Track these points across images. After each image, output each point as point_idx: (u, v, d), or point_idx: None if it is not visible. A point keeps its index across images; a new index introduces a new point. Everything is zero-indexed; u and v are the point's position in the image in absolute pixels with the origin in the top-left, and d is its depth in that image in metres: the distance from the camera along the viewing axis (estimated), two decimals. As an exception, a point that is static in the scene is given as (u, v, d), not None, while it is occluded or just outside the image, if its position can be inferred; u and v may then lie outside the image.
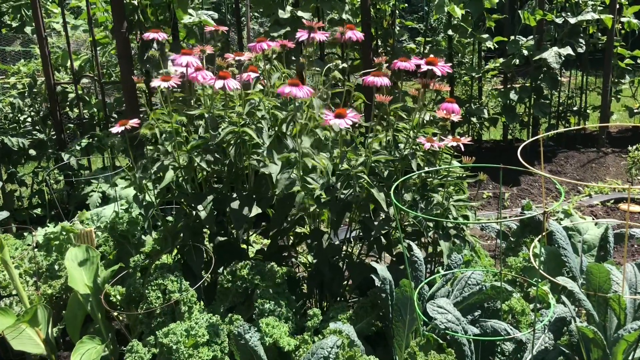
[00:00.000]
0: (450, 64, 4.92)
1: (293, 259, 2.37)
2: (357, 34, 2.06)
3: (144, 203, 2.06)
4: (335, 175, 1.97)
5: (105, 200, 3.33)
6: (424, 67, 1.96)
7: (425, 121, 2.08)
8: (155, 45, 3.55)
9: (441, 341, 1.61)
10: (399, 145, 2.08)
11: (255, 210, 1.98)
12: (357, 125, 1.97)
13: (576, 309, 1.87)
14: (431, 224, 2.06)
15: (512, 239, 2.36)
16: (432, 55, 2.07)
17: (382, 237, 2.09)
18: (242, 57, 2.07)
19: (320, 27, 2.10)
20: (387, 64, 2.06)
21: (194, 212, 2.05)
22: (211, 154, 1.98)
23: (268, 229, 2.20)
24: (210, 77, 1.96)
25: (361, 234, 2.12)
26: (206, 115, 1.99)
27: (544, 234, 1.75)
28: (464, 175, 2.12)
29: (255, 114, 1.98)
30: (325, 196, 1.99)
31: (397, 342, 1.82)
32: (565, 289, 1.78)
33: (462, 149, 1.99)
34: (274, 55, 2.09)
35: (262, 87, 2.12)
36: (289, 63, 3.31)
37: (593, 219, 2.52)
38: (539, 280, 1.71)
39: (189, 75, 1.97)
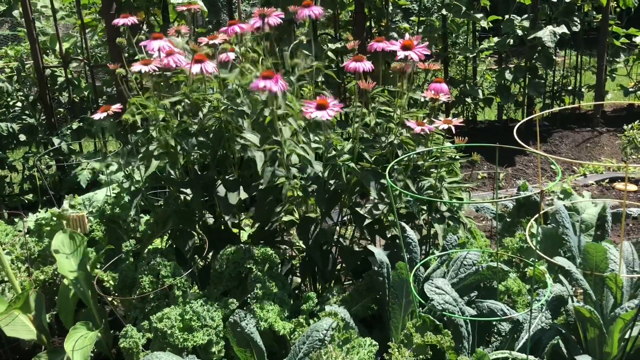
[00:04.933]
0: (444, 44, 4.88)
1: (286, 244, 2.35)
2: (315, 11, 1.97)
3: (132, 190, 2.02)
4: (322, 163, 1.93)
5: (97, 184, 3.29)
6: (400, 54, 1.86)
7: (414, 102, 2.03)
8: (145, 27, 3.49)
9: (437, 322, 1.60)
10: (389, 127, 2.04)
11: (243, 195, 1.95)
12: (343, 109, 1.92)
13: (574, 288, 1.86)
14: (425, 207, 2.04)
15: (507, 220, 2.35)
16: (414, 36, 1.99)
17: (373, 221, 2.06)
18: (217, 40, 1.99)
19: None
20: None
21: (183, 197, 2.02)
22: (195, 139, 1.92)
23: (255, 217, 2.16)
24: (185, 62, 1.90)
25: (352, 218, 2.09)
26: (186, 101, 1.94)
27: (540, 213, 1.74)
28: (457, 156, 2.09)
29: (235, 99, 1.92)
30: (312, 185, 1.95)
31: (393, 324, 1.81)
32: (562, 268, 1.77)
33: (454, 130, 1.94)
34: (248, 37, 2.01)
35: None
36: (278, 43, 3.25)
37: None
38: (536, 260, 1.71)
39: (160, 60, 1.91)
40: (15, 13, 5.37)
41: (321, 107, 1.77)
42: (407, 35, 2.18)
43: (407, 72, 1.91)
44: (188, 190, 1.94)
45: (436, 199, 1.93)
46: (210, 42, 1.92)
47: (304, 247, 2.13)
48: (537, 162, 4.40)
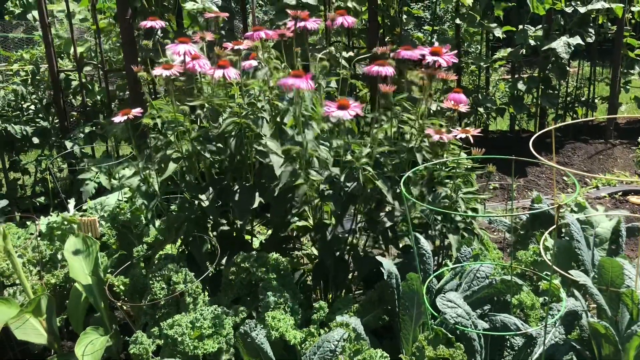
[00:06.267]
0: (457, 53, 4.87)
1: (297, 252, 2.34)
2: (348, 20, 2.01)
3: (147, 193, 2.03)
4: (339, 166, 1.93)
5: (109, 188, 3.30)
6: (429, 58, 1.90)
7: (432, 111, 2.03)
8: (159, 33, 3.50)
9: (450, 335, 1.58)
10: (405, 136, 2.03)
11: (258, 202, 1.95)
12: (362, 116, 1.93)
13: (587, 302, 1.84)
14: (439, 217, 2.03)
15: (521, 232, 2.32)
16: (436, 44, 2.01)
17: (388, 229, 2.05)
18: (241, 46, 2.01)
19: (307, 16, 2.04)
20: (392, 53, 2.01)
21: (197, 203, 2.02)
22: (213, 144, 1.94)
23: (270, 222, 2.16)
24: (209, 66, 1.92)
25: (366, 225, 2.08)
26: (207, 106, 1.95)
27: (554, 226, 1.72)
28: (473, 166, 2.08)
29: (255, 105, 1.94)
30: (329, 188, 1.95)
31: (403, 336, 1.79)
32: (576, 283, 1.75)
33: (472, 140, 1.95)
34: (271, 44, 2.04)
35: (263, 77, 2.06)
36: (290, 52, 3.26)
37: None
38: (550, 274, 1.68)
39: (185, 64, 1.93)
40: (29, 16, 5.41)
41: (342, 107, 1.80)
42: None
43: (438, 76, 1.92)
44: (203, 196, 1.94)
45: (452, 211, 1.91)
46: (235, 47, 1.95)
47: (317, 252, 2.12)
48: (548, 174, 4.37)
